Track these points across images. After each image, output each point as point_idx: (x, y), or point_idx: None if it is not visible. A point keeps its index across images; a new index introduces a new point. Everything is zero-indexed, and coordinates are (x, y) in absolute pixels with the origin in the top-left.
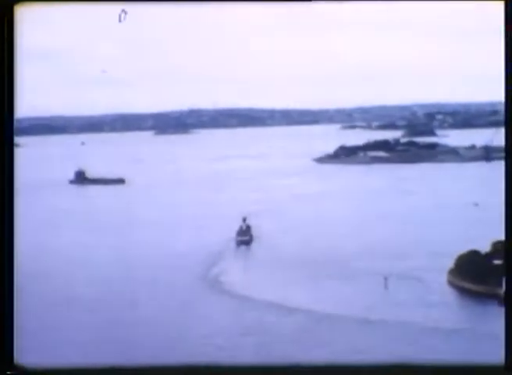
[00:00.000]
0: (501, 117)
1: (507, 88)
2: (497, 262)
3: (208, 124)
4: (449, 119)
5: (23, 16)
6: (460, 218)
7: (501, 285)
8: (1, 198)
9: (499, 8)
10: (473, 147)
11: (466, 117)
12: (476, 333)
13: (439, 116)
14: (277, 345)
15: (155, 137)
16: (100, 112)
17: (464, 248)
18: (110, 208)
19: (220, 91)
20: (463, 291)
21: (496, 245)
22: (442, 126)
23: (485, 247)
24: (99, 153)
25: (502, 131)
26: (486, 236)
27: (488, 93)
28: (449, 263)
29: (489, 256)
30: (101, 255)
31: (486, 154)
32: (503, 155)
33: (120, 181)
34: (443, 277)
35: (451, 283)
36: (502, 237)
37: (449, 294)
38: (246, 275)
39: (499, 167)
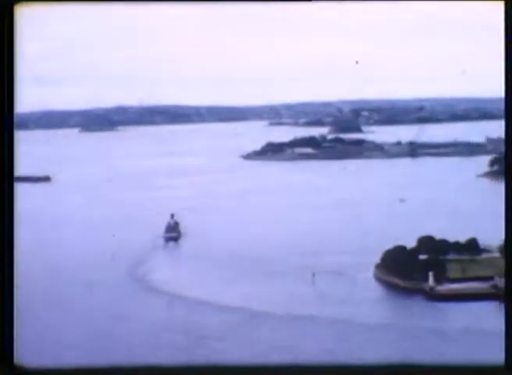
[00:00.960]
0: (426, 114)
1: (507, 88)
2: (423, 257)
3: (135, 121)
4: (375, 116)
5: (23, 16)
6: (386, 213)
7: (427, 280)
8: (1, 197)
9: (500, 8)
10: (399, 143)
11: (391, 114)
12: (403, 327)
13: (365, 113)
14: (205, 343)
15: (81, 135)
16: (24, 110)
17: (390, 244)
18: (36, 206)
19: (146, 88)
20: (390, 286)
21: (422, 241)
22: (368, 123)
23: (410, 242)
24: (24, 151)
25: (427, 127)
26: (412, 231)
27: (413, 90)
28: (376, 259)
29: (415, 251)
30: (25, 254)
31: (412, 150)
32: (428, 151)
33: (46, 179)
34: (370, 273)
35: (378, 279)
36: (427, 232)
37: (376, 290)
38: (174, 272)
39: (424, 163)
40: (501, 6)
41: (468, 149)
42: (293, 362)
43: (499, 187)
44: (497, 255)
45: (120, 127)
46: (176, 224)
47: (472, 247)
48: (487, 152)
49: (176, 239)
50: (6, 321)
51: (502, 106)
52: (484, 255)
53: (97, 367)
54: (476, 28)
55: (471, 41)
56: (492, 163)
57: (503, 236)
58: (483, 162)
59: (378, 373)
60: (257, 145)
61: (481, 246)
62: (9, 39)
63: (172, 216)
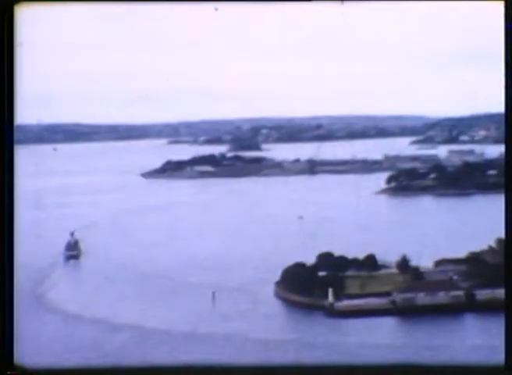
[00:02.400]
0: (324, 131)
1: (507, 89)
2: (322, 273)
3: (33, 140)
4: (274, 134)
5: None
6: (285, 231)
7: (326, 296)
8: (1, 203)
9: (500, 8)
10: (297, 160)
11: (290, 131)
12: (303, 343)
13: (264, 131)
14: (102, 362)
15: None
16: None
17: (289, 261)
18: None
19: (44, 106)
20: (289, 303)
21: (321, 257)
22: (267, 141)
23: (310, 259)
24: None
25: (325, 145)
26: (311, 248)
27: (312, 108)
28: (276, 276)
29: (314, 268)
30: None
31: (310, 167)
32: (326, 168)
33: None
34: (270, 289)
35: (278, 296)
36: (325, 249)
37: (277, 306)
38: (73, 290)
39: (322, 180)
40: (501, 6)
41: (366, 166)
42: (294, 362)
43: (397, 204)
44: (395, 270)
45: (19, 146)
46: (76, 242)
47: (370, 263)
48: (384, 169)
49: (76, 257)
50: (6, 321)
51: (398, 124)
52: (382, 271)
53: (97, 367)
54: (378, 47)
55: (367, 60)
56: (390, 180)
57: (400, 251)
58: (380, 179)
59: (379, 373)
60: (157, 163)
61: (379, 262)
62: (9, 39)
63: (72, 234)
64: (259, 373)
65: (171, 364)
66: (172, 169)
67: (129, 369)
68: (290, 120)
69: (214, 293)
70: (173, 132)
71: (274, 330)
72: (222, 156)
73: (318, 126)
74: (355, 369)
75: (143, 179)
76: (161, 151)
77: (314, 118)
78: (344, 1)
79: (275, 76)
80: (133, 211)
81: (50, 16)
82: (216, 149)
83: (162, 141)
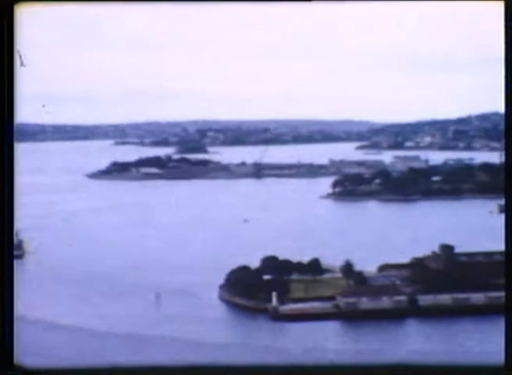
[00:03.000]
0: (271, 135)
1: (507, 89)
2: (266, 277)
3: None
4: (221, 137)
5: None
6: (231, 234)
7: (270, 300)
8: (1, 200)
9: (500, 8)
10: (244, 164)
11: (237, 134)
12: (246, 346)
13: (211, 133)
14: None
15: None
16: None
17: (234, 264)
18: None
19: None
20: (234, 306)
21: (265, 261)
22: (213, 143)
23: (255, 262)
24: None
25: (272, 149)
26: (256, 251)
27: (259, 112)
28: (221, 279)
29: (259, 272)
30: None
31: (256, 171)
32: (272, 172)
33: None
34: (215, 292)
35: (223, 299)
36: (270, 252)
37: (221, 309)
38: (16, 291)
39: (268, 184)
40: (501, 6)
41: (312, 170)
42: (294, 362)
43: (342, 209)
44: (339, 275)
45: None
46: (21, 242)
47: (315, 267)
48: (330, 174)
49: (19, 257)
50: (6, 321)
51: (344, 129)
52: (326, 276)
53: (97, 367)
54: (326, 52)
55: (314, 64)
56: (335, 185)
57: (344, 256)
58: (326, 183)
59: (378, 373)
60: (103, 164)
61: (324, 266)
62: (9, 39)
63: (17, 233)
64: (259, 373)
65: (171, 364)
66: (117, 170)
67: (130, 369)
68: (237, 123)
69: (158, 295)
70: (120, 133)
71: (218, 333)
72: (168, 158)
73: (265, 130)
74: (355, 369)
75: (88, 180)
76: (107, 152)
77: (261, 121)
78: (344, 2)
79: (222, 79)
80: (79, 212)
81: (50, 16)
82: (162, 151)
83: (109, 142)
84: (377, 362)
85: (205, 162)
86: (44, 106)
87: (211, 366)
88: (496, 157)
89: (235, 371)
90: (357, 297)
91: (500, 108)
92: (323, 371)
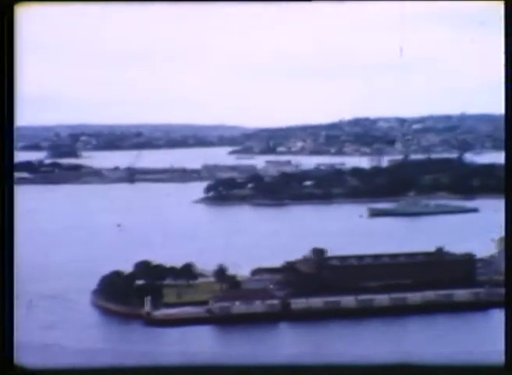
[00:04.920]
0: (144, 139)
1: (507, 89)
2: (139, 282)
3: None
4: (94, 141)
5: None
6: (103, 239)
7: (143, 305)
8: (2, 204)
9: (500, 8)
10: (116, 168)
11: (110, 139)
12: (119, 352)
13: (84, 138)
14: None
15: None
16: None
17: (107, 269)
18: None
19: None
20: (107, 312)
21: (138, 266)
22: (86, 148)
23: (127, 268)
24: None
25: (145, 153)
26: (129, 256)
27: (132, 116)
28: (94, 284)
29: (131, 277)
30: None
31: (129, 175)
32: (145, 176)
33: None
34: (87, 298)
35: (95, 304)
36: (143, 257)
37: (94, 315)
38: None
39: (141, 188)
40: (501, 6)
41: (185, 175)
42: (293, 362)
43: (215, 213)
44: (212, 279)
45: None
46: None
47: (188, 272)
48: (203, 178)
49: None
50: (6, 321)
51: (217, 133)
52: (199, 280)
53: (97, 367)
54: (196, 56)
55: (188, 68)
56: (208, 189)
57: (217, 260)
58: (199, 188)
59: (378, 373)
60: None
61: (197, 271)
62: (9, 39)
63: None
64: (259, 373)
65: (171, 364)
66: None
67: (130, 369)
68: (110, 128)
69: (30, 301)
70: None
71: (90, 339)
72: (40, 163)
73: (138, 135)
74: (354, 369)
75: None
76: None
77: (134, 126)
78: (344, 1)
79: (95, 83)
80: None
81: (50, 16)
82: (34, 156)
83: None
84: (377, 362)
85: (78, 167)
86: None
87: (211, 365)
88: (365, 162)
89: (235, 371)
90: (230, 301)
91: (372, 113)
92: (323, 371)
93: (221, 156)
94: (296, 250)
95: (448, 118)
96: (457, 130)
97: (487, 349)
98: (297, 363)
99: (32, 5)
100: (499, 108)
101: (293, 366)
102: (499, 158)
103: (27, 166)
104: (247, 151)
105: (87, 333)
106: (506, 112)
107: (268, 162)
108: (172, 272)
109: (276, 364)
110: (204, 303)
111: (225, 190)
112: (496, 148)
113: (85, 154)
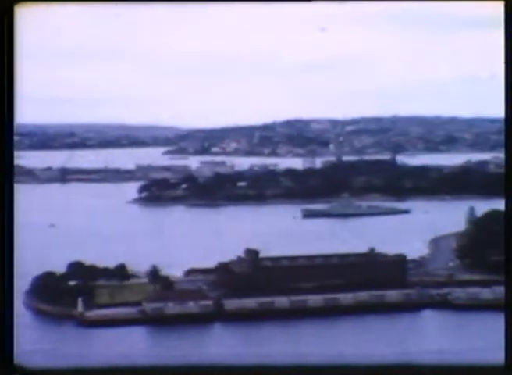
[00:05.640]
0: (78, 139)
1: (507, 88)
2: (72, 283)
3: None
4: (26, 141)
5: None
6: (36, 239)
7: (76, 306)
8: (2, 202)
9: (500, 8)
10: (49, 168)
11: (43, 138)
12: (51, 353)
13: (16, 137)
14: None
15: None
16: None
17: (39, 270)
18: None
19: None
20: (39, 313)
21: (71, 266)
22: (18, 148)
23: (59, 268)
24: None
25: (78, 153)
26: (62, 257)
27: (65, 115)
28: (26, 284)
29: (64, 277)
30: None
31: (62, 175)
32: (78, 176)
33: None
34: (19, 299)
35: (27, 305)
36: (76, 257)
37: (26, 316)
38: None
39: (74, 189)
40: (501, 6)
41: (118, 175)
42: (294, 362)
43: (149, 214)
44: (145, 280)
45: None
46: None
47: (121, 272)
48: (137, 179)
49: None
50: (6, 321)
51: (151, 134)
52: (132, 281)
53: (97, 367)
54: (132, 56)
55: (126, 67)
56: (142, 190)
57: (151, 261)
58: (133, 188)
59: (378, 373)
60: None
61: (130, 271)
62: (9, 39)
63: None
64: (259, 373)
65: (171, 364)
66: None
67: (130, 369)
68: (42, 127)
69: None
70: None
71: (22, 340)
72: None
73: (71, 134)
74: (354, 369)
75: None
76: None
77: (67, 125)
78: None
79: (31, 81)
80: None
81: (50, 16)
82: None
83: None
84: (377, 362)
85: None
86: None
87: (211, 365)
88: (299, 163)
89: (235, 371)
90: (164, 302)
91: (304, 114)
92: (323, 371)
93: (155, 157)
94: (229, 251)
95: (379, 120)
96: (390, 132)
97: (417, 349)
98: (297, 363)
99: (32, 6)
100: (430, 110)
101: (293, 366)
102: (430, 160)
103: None
104: (182, 151)
105: (18, 335)
106: (506, 112)
107: (202, 162)
108: (105, 272)
109: (276, 364)
110: (137, 304)
111: (158, 190)
112: (427, 149)
113: (17, 154)
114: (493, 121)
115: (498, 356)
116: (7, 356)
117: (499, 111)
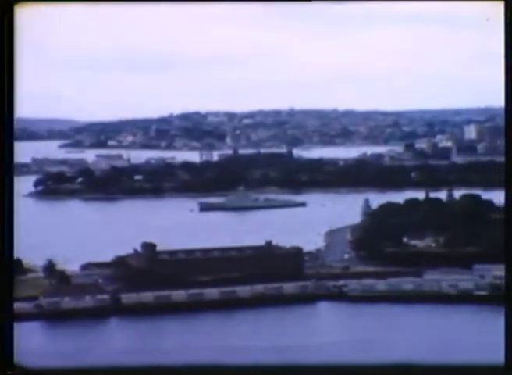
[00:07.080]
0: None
1: (507, 88)
2: None
3: None
4: None
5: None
6: None
7: None
8: (2, 200)
9: (500, 8)
10: None
11: None
12: None
13: None
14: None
15: None
16: None
17: None
18: None
19: None
20: None
21: None
22: None
23: None
24: None
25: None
26: None
27: None
28: None
29: None
30: None
31: None
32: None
33: None
34: None
35: None
36: None
37: None
38: None
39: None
40: (501, 6)
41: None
42: (294, 362)
43: (44, 207)
44: (41, 274)
45: None
46: None
47: (17, 267)
48: (32, 173)
49: None
50: (6, 322)
51: (46, 127)
52: (28, 275)
53: (97, 367)
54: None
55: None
56: (37, 184)
57: (47, 255)
58: (28, 182)
59: (378, 373)
60: None
61: (26, 266)
62: (9, 39)
63: None
64: (259, 373)
65: (171, 364)
66: None
67: (130, 369)
68: None
69: None
70: None
71: None
72: None
73: None
74: (354, 369)
75: None
76: None
77: None
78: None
79: None
80: None
81: (50, 16)
82: None
83: None
84: (377, 362)
85: None
86: None
87: (211, 366)
88: (196, 156)
89: (235, 371)
90: (60, 296)
91: (202, 107)
92: (323, 371)
93: (51, 150)
94: (126, 244)
95: (277, 113)
96: (286, 125)
97: (314, 342)
98: (297, 363)
99: (32, 5)
100: (327, 103)
101: (293, 366)
102: (326, 153)
103: None
104: (78, 144)
105: None
106: (506, 112)
107: (98, 156)
108: None
109: (275, 364)
110: (33, 298)
111: (54, 184)
112: (322, 143)
113: None
114: (387, 114)
115: (393, 349)
116: (7, 356)
117: (394, 105)
